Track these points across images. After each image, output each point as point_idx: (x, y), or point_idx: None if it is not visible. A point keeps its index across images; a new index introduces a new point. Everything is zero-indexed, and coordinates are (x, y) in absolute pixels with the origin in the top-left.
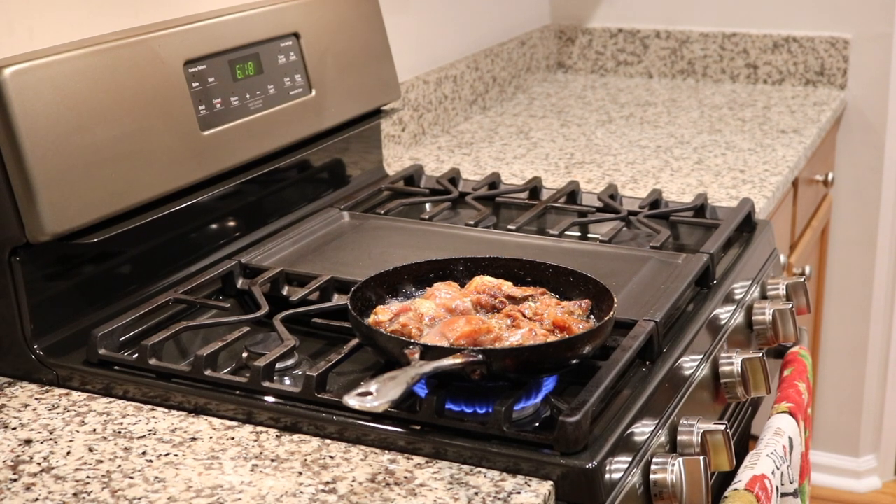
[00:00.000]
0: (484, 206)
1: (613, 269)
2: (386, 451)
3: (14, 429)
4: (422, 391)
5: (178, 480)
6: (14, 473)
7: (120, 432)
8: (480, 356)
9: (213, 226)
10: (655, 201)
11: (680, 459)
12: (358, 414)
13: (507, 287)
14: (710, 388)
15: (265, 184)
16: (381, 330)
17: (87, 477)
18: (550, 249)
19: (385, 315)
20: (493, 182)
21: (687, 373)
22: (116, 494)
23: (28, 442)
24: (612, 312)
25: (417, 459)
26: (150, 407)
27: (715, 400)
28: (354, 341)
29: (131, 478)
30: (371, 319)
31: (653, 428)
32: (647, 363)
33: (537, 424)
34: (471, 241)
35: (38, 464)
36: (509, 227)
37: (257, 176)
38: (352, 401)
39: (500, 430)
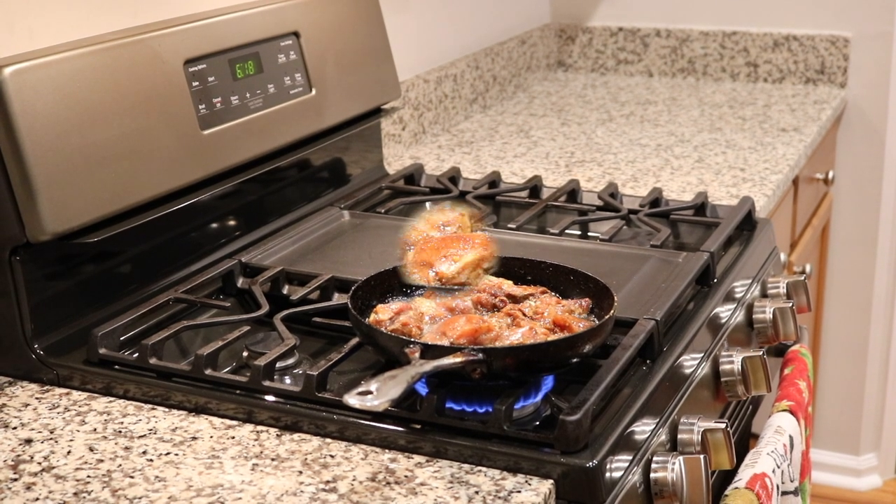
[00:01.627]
0: (484, 205)
1: (614, 267)
2: (386, 450)
3: (14, 428)
4: (422, 390)
5: (179, 480)
6: (14, 473)
7: (120, 431)
8: (481, 355)
9: (214, 225)
10: (656, 200)
11: (680, 458)
12: (358, 413)
13: (508, 286)
14: (711, 386)
15: (265, 183)
16: (382, 329)
17: (88, 476)
18: (550, 248)
19: (385, 314)
20: (494, 181)
21: (687, 371)
22: (117, 494)
23: (28, 441)
24: (612, 311)
25: (418, 458)
26: (150, 406)
27: (715, 398)
28: (355, 340)
29: (132, 477)
30: (371, 318)
31: (653, 426)
32: (648, 362)
33: (538, 423)
34: None
35: (39, 463)
36: (509, 225)
37: (257, 175)
38: (352, 400)
39: (500, 428)
